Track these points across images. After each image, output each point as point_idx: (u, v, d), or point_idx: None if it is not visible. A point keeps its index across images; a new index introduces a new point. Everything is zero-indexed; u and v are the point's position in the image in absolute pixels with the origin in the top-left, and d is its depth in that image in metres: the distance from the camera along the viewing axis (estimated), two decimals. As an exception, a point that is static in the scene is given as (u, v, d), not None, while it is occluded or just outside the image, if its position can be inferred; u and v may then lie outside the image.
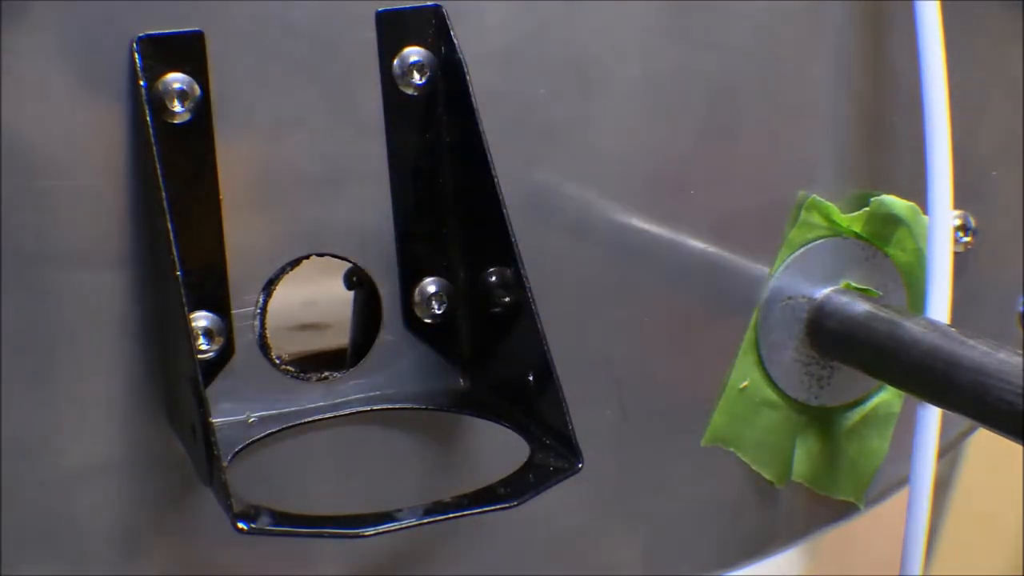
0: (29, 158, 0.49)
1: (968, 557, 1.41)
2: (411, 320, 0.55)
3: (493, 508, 0.50)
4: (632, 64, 0.57)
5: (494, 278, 0.54)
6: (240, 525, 0.47)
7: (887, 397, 0.64)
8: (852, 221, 0.61)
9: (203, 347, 0.52)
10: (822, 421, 0.63)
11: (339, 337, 0.61)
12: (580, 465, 0.51)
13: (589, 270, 0.58)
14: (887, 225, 0.62)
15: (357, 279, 0.57)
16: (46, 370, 0.51)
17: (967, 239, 0.64)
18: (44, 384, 0.51)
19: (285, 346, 0.55)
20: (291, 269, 0.54)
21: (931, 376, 0.54)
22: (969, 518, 1.42)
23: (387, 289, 0.55)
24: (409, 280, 0.55)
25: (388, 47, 0.53)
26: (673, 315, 0.60)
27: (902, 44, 0.60)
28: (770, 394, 0.62)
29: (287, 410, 0.54)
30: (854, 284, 0.61)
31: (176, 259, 0.48)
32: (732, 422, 0.62)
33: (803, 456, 0.63)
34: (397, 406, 0.55)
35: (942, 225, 0.59)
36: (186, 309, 0.49)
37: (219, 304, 0.52)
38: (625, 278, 0.58)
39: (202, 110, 0.51)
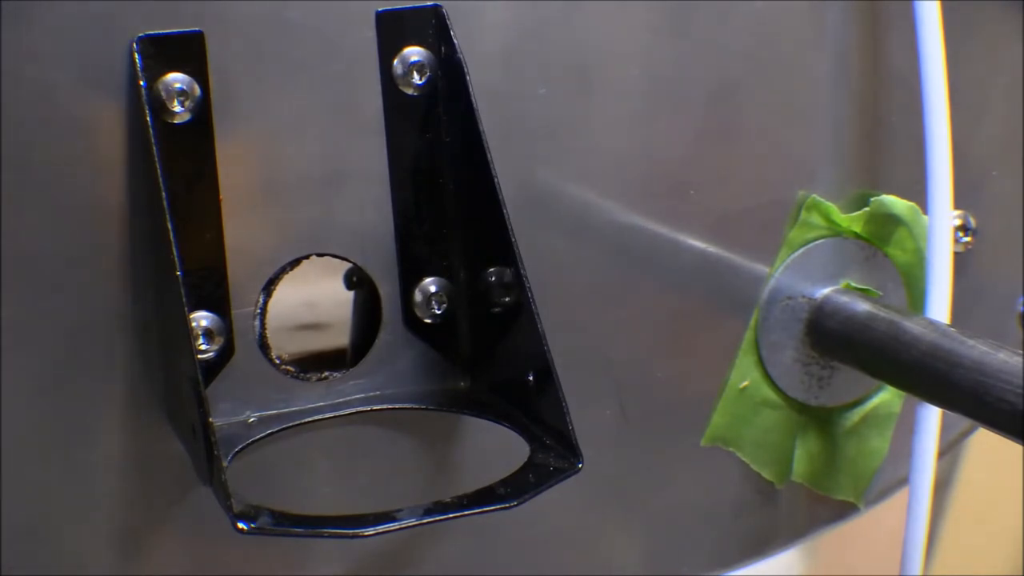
0: (29, 158, 0.49)
1: (968, 557, 1.41)
2: (411, 320, 0.55)
3: (493, 508, 0.50)
4: (632, 64, 0.57)
5: (494, 278, 0.54)
6: (240, 525, 0.47)
7: (887, 397, 0.64)
8: (852, 221, 0.61)
9: (203, 347, 0.52)
10: (822, 421, 0.63)
11: (339, 337, 0.61)
12: (580, 465, 0.51)
13: (589, 270, 0.58)
14: (887, 225, 0.62)
15: (357, 279, 0.57)
16: (47, 370, 0.51)
17: (967, 239, 0.64)
18: (45, 384, 0.51)
19: (285, 346, 0.55)
20: (291, 269, 0.54)
21: (931, 376, 0.54)
22: (969, 518, 1.42)
23: (387, 289, 0.55)
24: (409, 280, 0.55)
25: (388, 47, 0.53)
26: (673, 315, 0.60)
27: (902, 44, 0.60)
28: (770, 394, 0.62)
29: (287, 410, 0.54)
30: (854, 284, 0.61)
31: (176, 259, 0.48)
32: (732, 422, 0.62)
33: (803, 456, 0.63)
34: (397, 406, 0.55)
35: (942, 225, 0.59)
36: (186, 309, 0.48)
37: (219, 304, 0.52)
38: (625, 278, 0.58)
39: (202, 110, 0.51)
